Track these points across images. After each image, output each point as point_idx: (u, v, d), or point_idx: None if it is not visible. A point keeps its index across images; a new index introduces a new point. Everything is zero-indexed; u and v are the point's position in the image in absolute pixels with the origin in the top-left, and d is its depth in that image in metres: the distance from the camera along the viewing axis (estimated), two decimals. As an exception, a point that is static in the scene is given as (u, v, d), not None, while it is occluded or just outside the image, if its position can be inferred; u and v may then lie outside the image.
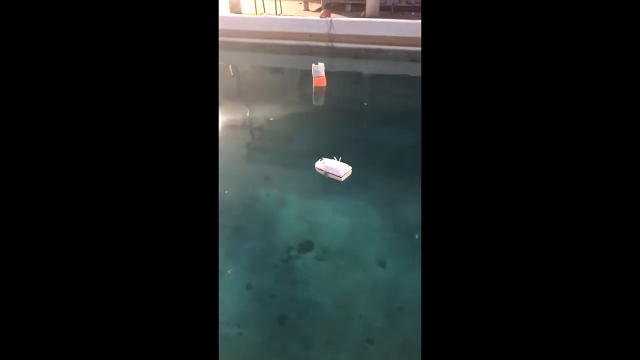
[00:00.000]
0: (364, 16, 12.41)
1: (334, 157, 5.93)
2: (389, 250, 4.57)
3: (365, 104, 9.29)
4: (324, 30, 11.94)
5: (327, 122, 8.35)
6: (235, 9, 13.42)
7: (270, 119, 8.16)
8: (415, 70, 10.69)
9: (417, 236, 4.66)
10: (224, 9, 13.70)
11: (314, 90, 9.24)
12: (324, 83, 9.24)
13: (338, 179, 5.71)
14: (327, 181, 5.92)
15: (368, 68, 11.79)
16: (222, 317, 3.78)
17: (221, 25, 12.82)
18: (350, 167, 5.83)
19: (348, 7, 13.46)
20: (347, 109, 8.91)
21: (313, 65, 9.10)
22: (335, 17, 12.14)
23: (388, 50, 11.58)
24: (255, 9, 13.40)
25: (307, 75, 9.66)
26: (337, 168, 5.72)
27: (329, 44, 12.10)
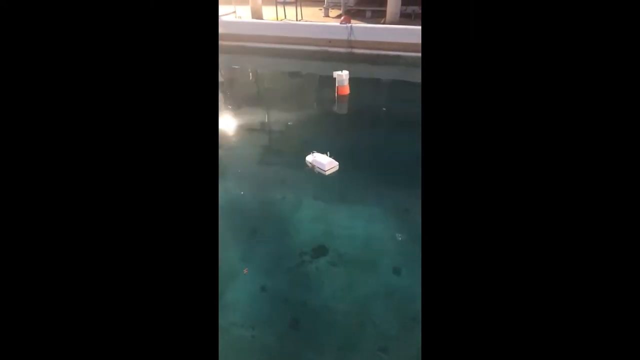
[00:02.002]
0: (384, 23, 12.42)
1: (326, 153, 6.32)
2: (404, 258, 4.52)
3: (384, 109, 9.27)
4: (343, 36, 12.00)
5: (345, 127, 8.37)
6: (256, 14, 13.65)
7: (289, 123, 8.23)
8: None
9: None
10: (245, 15, 13.96)
11: (337, 99, 9.23)
12: (347, 91, 9.22)
13: (323, 172, 6.14)
14: (344, 187, 5.93)
15: (387, 74, 11.77)
16: (236, 318, 3.81)
17: (242, 31, 13.15)
18: (337, 163, 6.21)
19: (368, 14, 13.51)
20: (365, 115, 8.90)
21: (337, 73, 9.00)
22: (355, 24, 12.19)
23: (407, 57, 11.54)
24: (277, 14, 13.59)
25: (326, 80, 9.71)
26: (324, 162, 6.16)
27: (349, 50, 12.15)
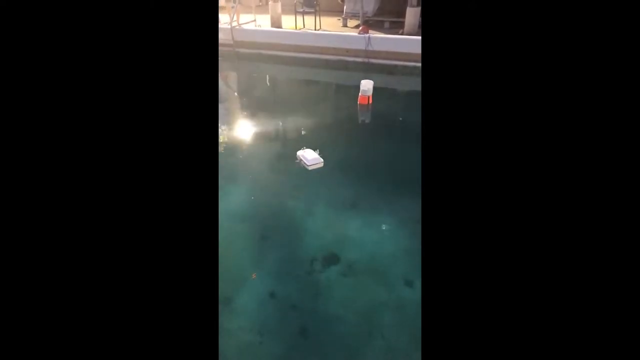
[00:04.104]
0: (402, 33, 12.44)
1: (316, 150, 6.87)
2: (416, 270, 4.46)
3: (401, 119, 9.24)
4: (361, 46, 12.07)
5: (361, 136, 8.37)
6: (276, 23, 13.87)
7: (303, 132, 8.28)
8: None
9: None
10: (265, 23, 14.20)
11: (359, 108, 9.27)
12: (369, 100, 9.25)
13: (307, 167, 6.64)
14: (356, 196, 5.90)
15: (404, 84, 11.76)
16: (244, 324, 3.82)
17: (262, 39, 13.37)
18: (321, 160, 6.71)
19: (386, 25, 13.55)
20: (381, 124, 8.89)
21: (365, 82, 9.05)
22: (373, 34, 12.25)
23: (425, 68, 11.48)
24: (295, 23, 13.77)
25: (342, 89, 9.74)
26: (308, 158, 6.70)
27: (366, 59, 12.20)
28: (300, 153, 6.93)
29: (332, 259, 4.61)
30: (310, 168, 6.63)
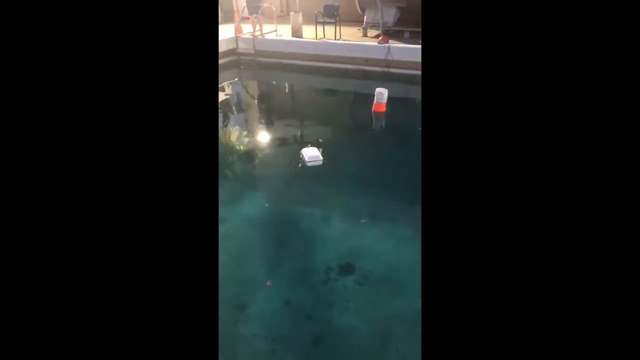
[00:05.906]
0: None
1: (319, 148, 7.25)
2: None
3: (420, 128, 9.16)
4: (381, 55, 12.08)
5: (378, 145, 8.34)
6: (296, 33, 14.06)
7: (320, 140, 8.31)
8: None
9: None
10: (286, 33, 14.43)
11: (373, 116, 9.29)
12: (384, 109, 9.27)
13: (306, 163, 7.00)
14: (373, 205, 5.86)
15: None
16: (258, 331, 3.82)
17: (282, 49, 13.58)
18: (321, 159, 7.06)
19: (406, 34, 13.54)
20: (400, 134, 8.84)
21: (379, 90, 9.14)
22: (393, 44, 12.25)
23: (445, 78, 11.38)
24: (316, 33, 13.93)
25: (360, 98, 9.74)
26: (308, 155, 7.10)
27: (385, 69, 12.19)
28: (303, 150, 7.29)
29: (345, 267, 4.57)
30: (308, 164, 6.99)
